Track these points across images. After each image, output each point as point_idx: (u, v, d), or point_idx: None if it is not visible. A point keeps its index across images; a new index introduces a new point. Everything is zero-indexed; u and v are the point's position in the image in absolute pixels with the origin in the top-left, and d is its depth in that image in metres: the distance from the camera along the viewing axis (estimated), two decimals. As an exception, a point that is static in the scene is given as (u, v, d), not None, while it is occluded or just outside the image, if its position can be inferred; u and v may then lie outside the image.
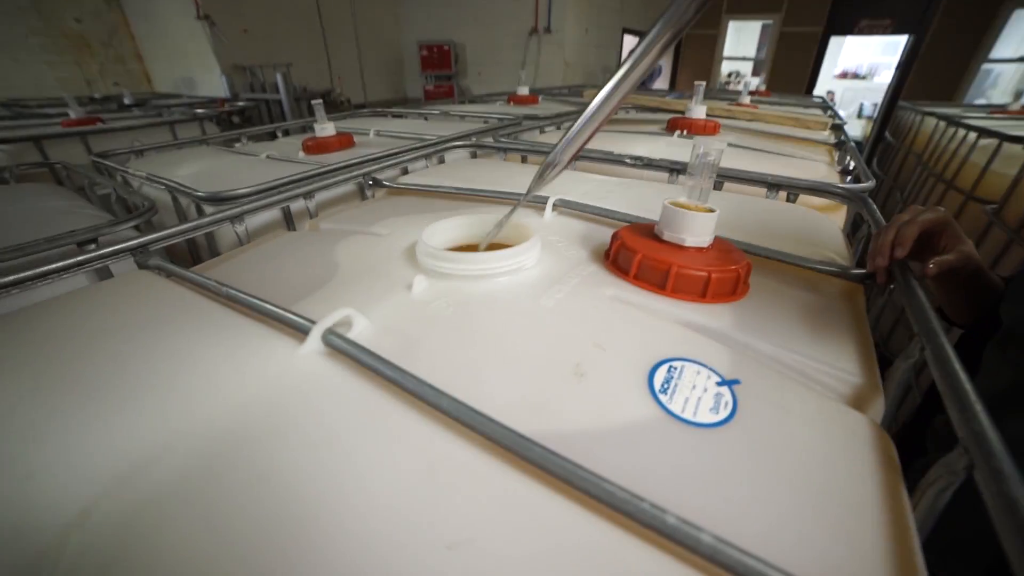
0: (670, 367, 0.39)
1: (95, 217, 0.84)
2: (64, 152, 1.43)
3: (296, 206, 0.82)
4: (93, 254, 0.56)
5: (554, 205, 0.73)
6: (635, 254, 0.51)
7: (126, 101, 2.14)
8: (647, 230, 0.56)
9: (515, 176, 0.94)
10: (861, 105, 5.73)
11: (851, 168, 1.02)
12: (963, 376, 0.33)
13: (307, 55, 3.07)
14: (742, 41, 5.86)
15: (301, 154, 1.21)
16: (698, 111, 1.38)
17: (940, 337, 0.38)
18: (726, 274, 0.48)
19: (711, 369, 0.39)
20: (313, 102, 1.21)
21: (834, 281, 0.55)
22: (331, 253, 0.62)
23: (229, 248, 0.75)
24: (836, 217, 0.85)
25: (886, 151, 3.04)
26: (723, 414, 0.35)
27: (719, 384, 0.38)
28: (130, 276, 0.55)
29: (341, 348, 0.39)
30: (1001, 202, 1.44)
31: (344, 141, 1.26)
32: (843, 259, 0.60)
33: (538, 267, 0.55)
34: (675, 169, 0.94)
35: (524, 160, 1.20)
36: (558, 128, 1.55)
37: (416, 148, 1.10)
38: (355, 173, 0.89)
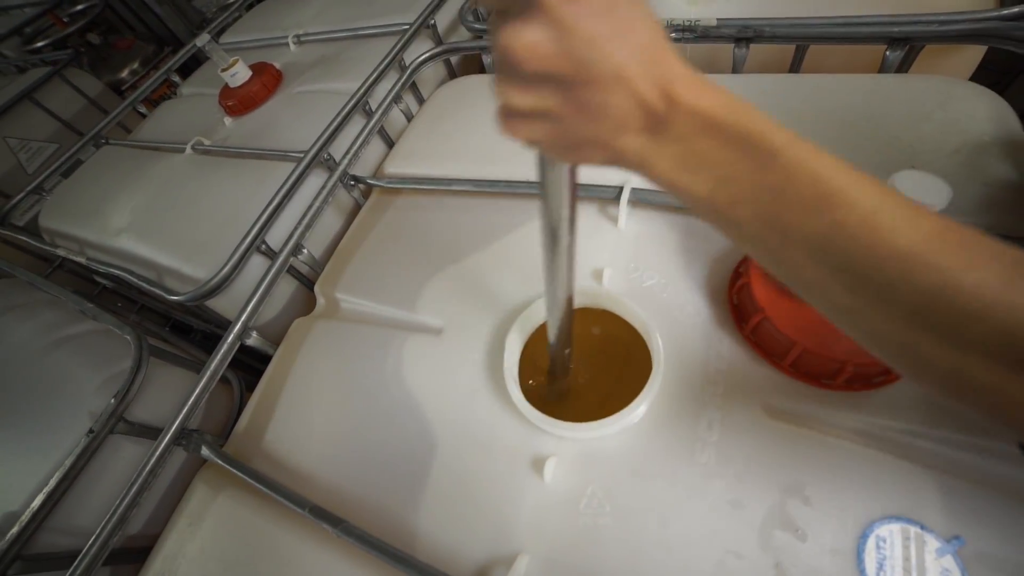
0: (878, 541, 0.34)
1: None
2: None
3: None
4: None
5: (629, 201, 0.53)
6: (789, 340, 0.39)
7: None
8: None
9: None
10: None
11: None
12: None
13: None
14: None
15: (227, 120, 0.91)
16: None
17: None
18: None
19: (924, 528, 0.34)
20: (204, 47, 0.84)
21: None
22: (370, 362, 0.50)
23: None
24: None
25: None
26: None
27: (938, 554, 0.33)
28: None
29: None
30: None
31: (269, 80, 0.92)
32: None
33: (668, 371, 0.43)
34: (745, 38, 0.63)
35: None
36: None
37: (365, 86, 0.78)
38: (328, 184, 0.66)
